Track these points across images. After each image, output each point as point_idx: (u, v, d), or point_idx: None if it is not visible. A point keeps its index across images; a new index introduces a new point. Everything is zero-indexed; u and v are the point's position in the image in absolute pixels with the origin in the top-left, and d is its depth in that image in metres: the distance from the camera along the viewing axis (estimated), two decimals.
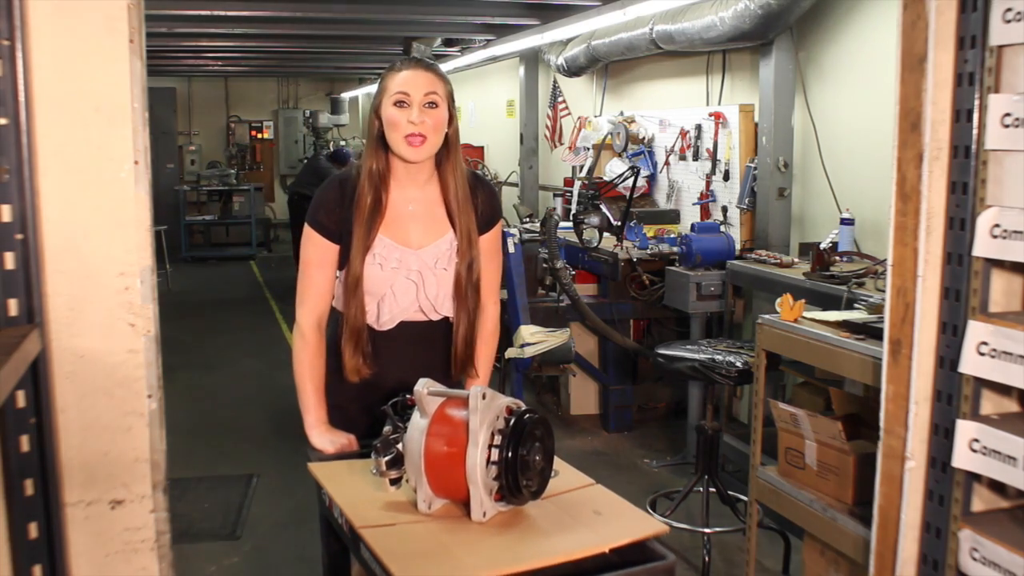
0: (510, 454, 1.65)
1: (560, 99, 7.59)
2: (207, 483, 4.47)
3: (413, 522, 1.70)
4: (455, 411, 1.73)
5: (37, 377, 1.49)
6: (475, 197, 2.21)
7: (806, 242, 4.48)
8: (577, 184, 6.12)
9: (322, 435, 2.15)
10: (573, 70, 6.88)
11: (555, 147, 7.78)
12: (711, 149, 5.27)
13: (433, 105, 2.08)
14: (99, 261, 1.55)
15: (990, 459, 1.62)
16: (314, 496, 2.02)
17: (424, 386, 1.75)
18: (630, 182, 5.21)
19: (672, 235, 5.24)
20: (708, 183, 5.34)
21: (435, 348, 2.24)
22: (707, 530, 3.61)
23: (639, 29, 5.48)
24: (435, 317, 2.20)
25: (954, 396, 1.71)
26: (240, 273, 11.36)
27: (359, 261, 2.11)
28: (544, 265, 5.00)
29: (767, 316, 2.97)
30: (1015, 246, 1.58)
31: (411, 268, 2.15)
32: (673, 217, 5.64)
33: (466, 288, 2.18)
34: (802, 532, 2.77)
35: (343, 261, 2.16)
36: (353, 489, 1.84)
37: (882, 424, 1.89)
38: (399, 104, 2.07)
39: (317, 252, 2.17)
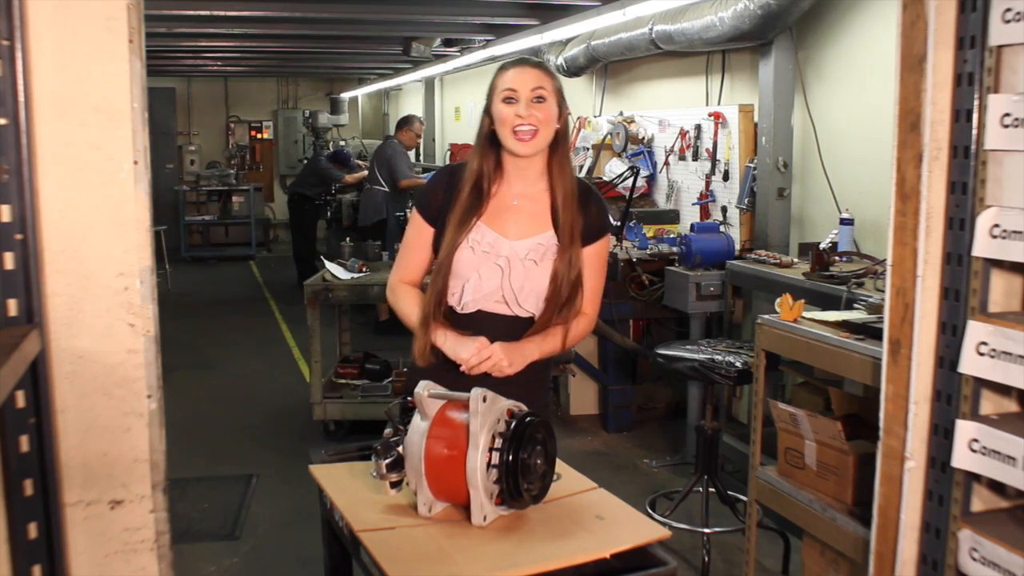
0: (510, 457, 1.64)
1: None
2: (207, 483, 4.47)
3: (413, 526, 1.70)
4: (456, 414, 1.73)
5: (36, 377, 1.49)
6: (585, 206, 2.22)
7: (806, 242, 4.48)
8: None
9: (459, 338, 2.11)
10: (573, 70, 6.87)
11: None
12: (711, 149, 5.26)
13: (541, 100, 2.15)
14: (98, 261, 1.55)
15: (990, 459, 1.62)
16: (314, 496, 2.02)
17: (425, 388, 1.75)
18: (630, 182, 5.21)
19: (672, 235, 5.24)
20: (708, 183, 5.34)
21: None
22: (707, 530, 3.62)
23: (639, 29, 5.48)
24: (519, 312, 2.17)
25: (954, 396, 1.71)
26: (240, 273, 11.36)
27: (449, 249, 2.16)
28: None
29: (767, 316, 2.97)
30: (1015, 246, 1.58)
31: (500, 254, 2.17)
32: (673, 217, 5.63)
33: (561, 283, 2.15)
34: (802, 532, 2.77)
35: (437, 246, 2.22)
36: (353, 492, 1.84)
37: (882, 424, 1.88)
38: (507, 100, 2.15)
39: (414, 232, 2.27)
